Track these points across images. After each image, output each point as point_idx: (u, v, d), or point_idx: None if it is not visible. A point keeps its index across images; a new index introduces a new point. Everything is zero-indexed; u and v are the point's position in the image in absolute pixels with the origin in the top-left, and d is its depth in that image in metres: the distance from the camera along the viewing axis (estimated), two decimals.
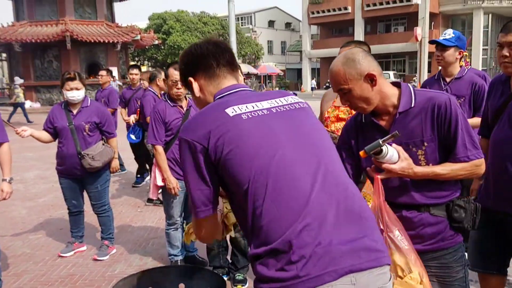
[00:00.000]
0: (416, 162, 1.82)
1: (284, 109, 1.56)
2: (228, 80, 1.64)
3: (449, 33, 3.49)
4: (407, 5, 36.95)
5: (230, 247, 3.73)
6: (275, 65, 50.87)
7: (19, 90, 17.47)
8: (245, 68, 38.93)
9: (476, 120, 3.11)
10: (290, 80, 51.32)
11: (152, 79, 5.83)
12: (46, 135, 4.05)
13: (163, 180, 3.68)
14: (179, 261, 3.85)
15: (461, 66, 3.57)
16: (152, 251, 4.37)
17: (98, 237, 4.66)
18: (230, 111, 1.46)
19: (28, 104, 22.70)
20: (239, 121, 1.44)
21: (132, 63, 36.16)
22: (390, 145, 1.76)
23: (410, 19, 38.08)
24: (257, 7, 56.91)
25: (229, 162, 1.41)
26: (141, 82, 6.50)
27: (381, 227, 1.76)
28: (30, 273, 3.94)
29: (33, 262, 4.18)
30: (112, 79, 25.29)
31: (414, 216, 1.89)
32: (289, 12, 60.84)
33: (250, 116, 1.47)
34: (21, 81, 18.71)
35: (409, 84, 1.95)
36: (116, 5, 27.45)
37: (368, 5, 39.18)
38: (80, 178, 4.12)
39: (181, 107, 3.76)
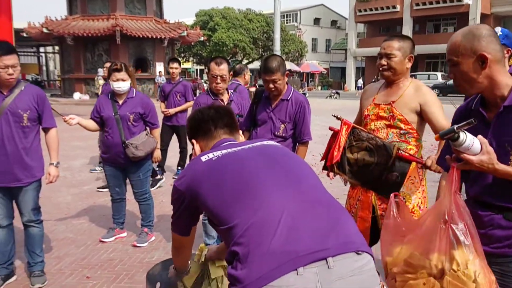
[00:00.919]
0: (505, 162, 1.67)
1: (259, 144, 1.79)
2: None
3: (497, 31, 3.36)
4: (458, 5, 35.70)
5: None
6: (319, 63, 50.44)
7: (101, 83, 18.24)
8: (288, 65, 38.75)
9: None
10: (333, 79, 50.77)
11: (239, 73, 6.04)
12: (92, 124, 4.19)
13: None
14: None
15: (510, 66, 3.43)
16: None
17: (138, 224, 4.80)
18: (204, 158, 1.70)
19: (77, 95, 23.63)
20: (209, 162, 1.67)
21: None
22: (476, 136, 1.61)
23: (460, 19, 36.76)
24: (303, 4, 56.56)
25: (203, 196, 1.62)
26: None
27: (446, 217, 1.67)
28: (72, 256, 4.09)
29: (75, 246, 4.35)
30: (158, 74, 25.67)
31: (485, 215, 1.78)
32: (335, 9, 60.08)
33: (220, 155, 1.69)
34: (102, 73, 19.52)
35: None
36: (165, 1, 28.05)
37: (417, 4, 38.15)
38: (123, 167, 4.25)
39: (222, 100, 3.82)
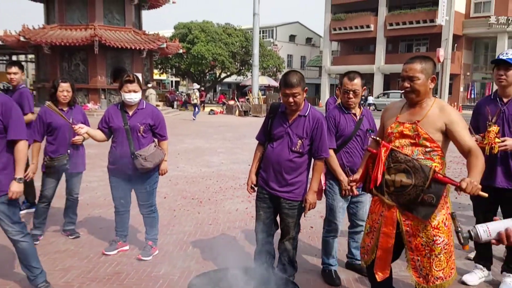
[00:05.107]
0: None
1: None
2: None
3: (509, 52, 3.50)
4: (431, 26, 36.85)
5: (277, 255, 3.75)
6: None
7: (197, 95, 24.74)
8: (266, 80, 39.11)
9: None
10: (308, 95, 51.26)
11: None
12: (100, 134, 4.14)
13: (325, 183, 3.80)
14: (333, 272, 3.89)
15: None
16: (194, 254, 4.42)
17: (139, 237, 4.74)
18: None
19: None
20: None
21: (155, 70, 36.44)
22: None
23: (433, 40, 38.01)
24: (279, 21, 57.38)
25: None
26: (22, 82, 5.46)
27: None
28: (77, 269, 4.00)
29: (78, 258, 4.25)
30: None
31: None
32: (311, 27, 61.16)
33: None
34: (198, 86, 26.53)
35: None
36: (144, 13, 27.91)
37: (391, 24, 39.22)
38: (130, 178, 4.19)
39: (355, 115, 3.82)
